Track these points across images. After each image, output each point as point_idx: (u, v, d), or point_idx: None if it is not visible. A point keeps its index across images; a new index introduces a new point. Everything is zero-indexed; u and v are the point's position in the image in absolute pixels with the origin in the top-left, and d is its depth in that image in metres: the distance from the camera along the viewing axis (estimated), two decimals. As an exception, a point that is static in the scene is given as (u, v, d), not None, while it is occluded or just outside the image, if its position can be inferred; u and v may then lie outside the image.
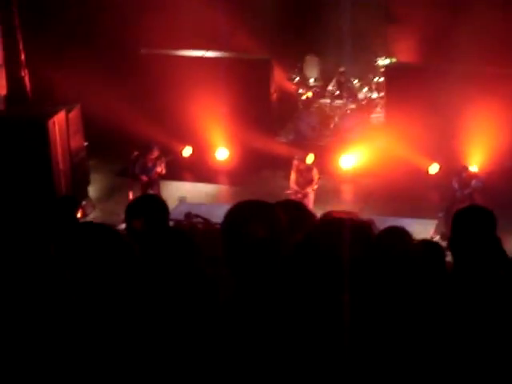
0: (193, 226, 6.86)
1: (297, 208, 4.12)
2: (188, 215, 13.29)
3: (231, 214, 3.12)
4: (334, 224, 3.07)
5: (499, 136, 15.91)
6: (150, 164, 16.24)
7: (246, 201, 3.22)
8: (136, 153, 16.39)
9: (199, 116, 17.46)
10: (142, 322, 3.24)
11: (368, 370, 2.71)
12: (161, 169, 16.31)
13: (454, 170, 16.04)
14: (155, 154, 16.28)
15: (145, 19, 16.92)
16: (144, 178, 16.20)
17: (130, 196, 15.50)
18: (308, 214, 4.08)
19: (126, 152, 16.54)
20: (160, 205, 5.10)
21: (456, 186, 15.78)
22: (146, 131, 16.66)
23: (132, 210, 4.99)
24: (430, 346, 3.45)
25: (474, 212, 4.46)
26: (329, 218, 4.29)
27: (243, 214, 3.09)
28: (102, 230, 3.27)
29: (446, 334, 3.66)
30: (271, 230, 2.92)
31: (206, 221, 11.76)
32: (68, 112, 16.26)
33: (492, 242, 4.26)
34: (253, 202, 3.20)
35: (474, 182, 15.73)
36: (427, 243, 5.09)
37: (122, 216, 5.21)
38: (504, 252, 4.50)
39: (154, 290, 3.74)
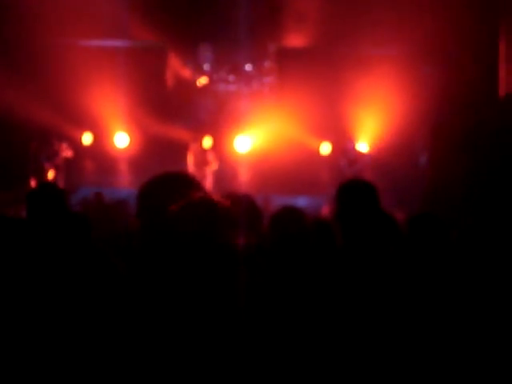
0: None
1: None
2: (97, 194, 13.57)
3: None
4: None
5: (387, 114, 16.49)
6: (52, 151, 16.32)
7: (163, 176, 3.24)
8: (35, 143, 16.44)
9: (98, 104, 17.49)
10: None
11: (262, 348, 2.71)
12: (65, 153, 16.44)
13: (341, 148, 16.66)
14: (55, 141, 16.36)
15: (42, 10, 16.72)
16: (48, 165, 16.32)
17: (32, 184, 15.61)
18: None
19: (25, 141, 16.53)
20: (58, 191, 5.11)
21: (342, 162, 16.36)
22: (45, 120, 16.60)
23: (31, 199, 4.95)
24: (322, 324, 3.54)
25: (354, 185, 4.48)
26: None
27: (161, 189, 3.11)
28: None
29: (337, 311, 3.72)
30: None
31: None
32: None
33: (378, 217, 4.28)
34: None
35: (362, 157, 16.31)
36: (318, 221, 4.95)
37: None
38: (394, 227, 4.43)
39: (52, 272, 3.80)
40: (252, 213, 4.00)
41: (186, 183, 3.28)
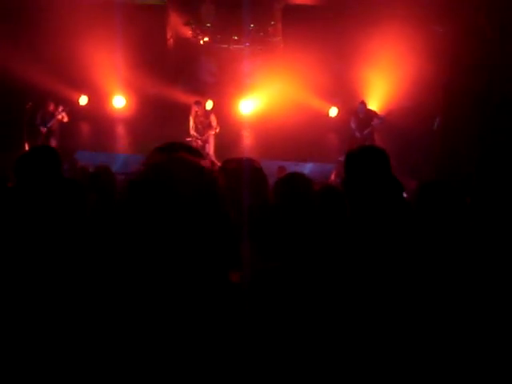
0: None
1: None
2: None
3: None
4: (232, 171, 2.98)
5: (398, 76, 16.05)
6: (48, 114, 15.92)
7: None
8: (30, 103, 16.01)
9: (95, 64, 17.06)
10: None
11: (268, 317, 2.68)
12: (61, 116, 16.02)
13: (352, 110, 16.16)
14: (51, 104, 15.97)
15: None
16: (43, 129, 15.86)
17: (26, 148, 15.19)
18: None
19: (20, 103, 16.10)
20: (52, 155, 4.88)
21: (353, 125, 15.90)
22: (41, 81, 16.21)
23: (21, 162, 4.74)
24: (329, 291, 3.39)
25: (364, 152, 4.33)
26: (226, 165, 4.25)
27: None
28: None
29: (345, 277, 3.58)
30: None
31: None
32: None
33: (388, 183, 4.16)
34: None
35: (374, 121, 15.88)
36: (326, 187, 5.00)
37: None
38: (401, 191, 4.36)
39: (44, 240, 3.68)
40: (256, 177, 4.10)
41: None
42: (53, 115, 15.97)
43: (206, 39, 18.79)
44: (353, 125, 15.88)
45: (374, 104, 16.66)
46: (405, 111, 16.21)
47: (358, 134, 15.73)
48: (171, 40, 18.41)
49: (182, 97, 17.23)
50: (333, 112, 17.26)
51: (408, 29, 15.72)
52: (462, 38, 15.13)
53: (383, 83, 16.51)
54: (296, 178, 4.22)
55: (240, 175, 4.01)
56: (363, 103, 16.04)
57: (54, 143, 15.75)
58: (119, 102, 17.99)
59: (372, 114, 15.97)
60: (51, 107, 16.01)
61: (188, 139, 15.76)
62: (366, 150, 4.38)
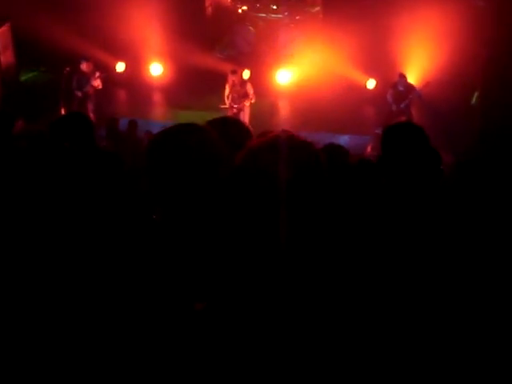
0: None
1: (234, 125, 3.97)
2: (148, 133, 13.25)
3: (159, 143, 2.85)
4: (271, 143, 2.94)
5: (437, 50, 15.86)
6: (83, 79, 15.88)
7: (173, 127, 2.92)
8: (67, 68, 16.00)
9: (133, 31, 17.01)
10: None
11: (304, 286, 2.56)
12: (97, 83, 15.97)
13: (390, 82, 16.02)
14: (89, 67, 15.92)
15: None
16: (78, 93, 15.85)
17: (63, 113, 15.20)
18: (245, 132, 3.94)
19: (58, 68, 16.12)
20: (85, 123, 4.86)
21: (390, 99, 15.76)
22: (79, 47, 16.30)
23: (56, 129, 4.74)
24: (364, 264, 3.32)
25: (402, 129, 4.32)
26: (266, 137, 4.18)
27: (171, 141, 2.84)
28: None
29: (380, 252, 3.60)
30: (205, 153, 2.75)
31: None
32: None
33: (425, 159, 4.15)
34: (181, 127, 2.93)
35: (411, 94, 15.73)
36: (362, 160, 4.93)
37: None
38: (439, 165, 4.39)
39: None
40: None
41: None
42: (88, 80, 15.92)
43: (245, 8, 18.69)
44: (389, 98, 15.73)
45: (413, 77, 16.47)
46: (443, 85, 15.97)
47: (394, 107, 15.59)
48: (210, 8, 18.34)
49: (219, 65, 17.14)
50: (371, 84, 17.09)
51: (449, 2, 15.46)
52: (503, 12, 14.93)
53: (422, 56, 16.30)
54: (334, 149, 4.19)
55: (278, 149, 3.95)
56: (403, 76, 15.86)
57: (90, 108, 15.72)
58: (156, 69, 17.97)
59: (410, 87, 15.81)
60: (87, 69, 15.91)
61: (222, 106, 15.72)
62: (403, 127, 4.36)
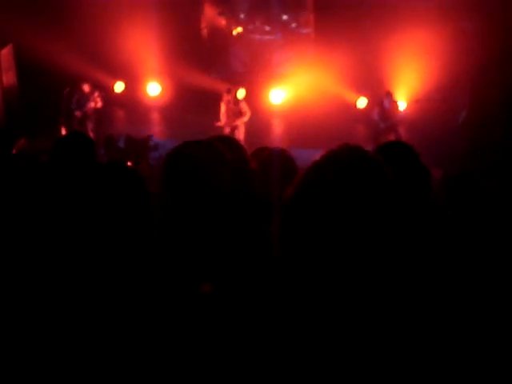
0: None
1: (229, 143, 3.87)
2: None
3: (176, 158, 2.98)
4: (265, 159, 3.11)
5: (425, 68, 16.13)
6: (83, 98, 16.17)
7: (187, 143, 3.07)
8: (68, 88, 16.31)
9: (131, 51, 17.34)
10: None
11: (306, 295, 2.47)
12: (95, 103, 16.27)
13: (376, 100, 16.29)
14: (87, 88, 16.21)
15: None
16: (78, 113, 16.16)
17: (63, 132, 15.49)
18: (239, 151, 3.90)
19: (58, 88, 16.40)
20: (87, 142, 4.88)
21: (376, 117, 15.98)
22: (78, 67, 16.50)
23: (58, 147, 4.76)
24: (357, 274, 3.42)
25: (391, 148, 4.16)
26: (260, 154, 4.28)
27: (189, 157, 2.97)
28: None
29: (369, 263, 3.42)
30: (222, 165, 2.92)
31: None
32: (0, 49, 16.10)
33: (416, 175, 4.02)
34: (195, 143, 3.07)
35: (397, 112, 15.95)
36: None
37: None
38: (429, 182, 4.18)
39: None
40: (287, 166, 4.13)
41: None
42: (88, 99, 16.23)
43: (239, 29, 19.03)
44: (375, 116, 15.95)
45: (402, 95, 16.77)
46: (431, 103, 16.33)
47: (382, 125, 15.81)
48: (205, 29, 18.64)
49: (215, 84, 17.41)
50: (361, 103, 17.42)
51: (437, 21, 15.79)
52: (489, 34, 15.14)
53: (411, 75, 16.54)
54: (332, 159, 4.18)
55: (271, 164, 4.09)
56: (390, 94, 16.14)
57: (89, 127, 16.00)
58: (154, 89, 18.35)
59: (396, 106, 16.07)
60: (86, 90, 16.22)
61: (218, 124, 16.06)
62: (392, 147, 4.23)
